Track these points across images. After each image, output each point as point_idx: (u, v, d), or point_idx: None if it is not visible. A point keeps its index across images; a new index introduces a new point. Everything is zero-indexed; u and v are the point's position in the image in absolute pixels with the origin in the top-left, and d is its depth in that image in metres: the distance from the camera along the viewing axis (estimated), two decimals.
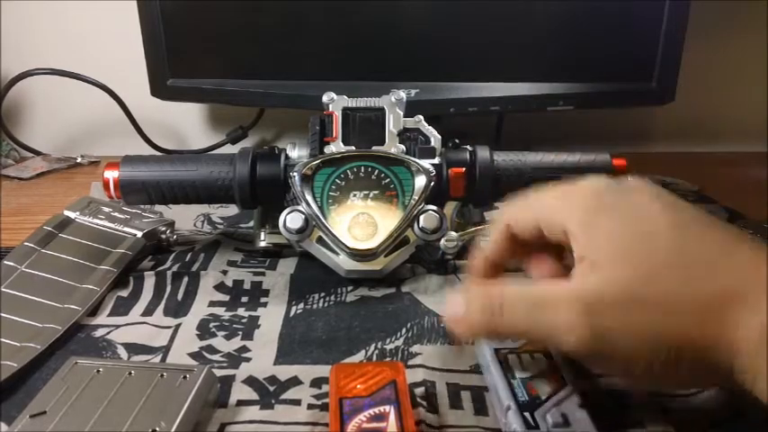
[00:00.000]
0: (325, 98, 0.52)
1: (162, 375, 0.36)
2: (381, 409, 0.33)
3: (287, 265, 0.54)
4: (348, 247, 0.49)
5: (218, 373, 0.39)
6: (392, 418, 0.33)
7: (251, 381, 0.39)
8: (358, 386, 0.35)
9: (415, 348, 0.42)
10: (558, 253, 0.38)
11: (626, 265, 0.30)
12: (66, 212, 0.56)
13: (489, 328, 0.33)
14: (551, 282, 0.35)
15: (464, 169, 0.51)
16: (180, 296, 0.49)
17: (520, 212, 0.37)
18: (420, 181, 0.50)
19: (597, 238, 0.32)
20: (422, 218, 0.50)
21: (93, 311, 0.47)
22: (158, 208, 0.61)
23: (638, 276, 0.30)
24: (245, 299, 0.49)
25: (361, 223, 0.49)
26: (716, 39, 0.83)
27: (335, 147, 0.51)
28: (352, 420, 0.33)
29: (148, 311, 0.47)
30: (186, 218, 0.63)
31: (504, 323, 0.32)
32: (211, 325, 0.45)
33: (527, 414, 0.32)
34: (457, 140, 0.54)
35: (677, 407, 0.37)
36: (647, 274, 0.30)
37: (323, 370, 0.40)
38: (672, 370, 0.29)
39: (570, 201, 0.34)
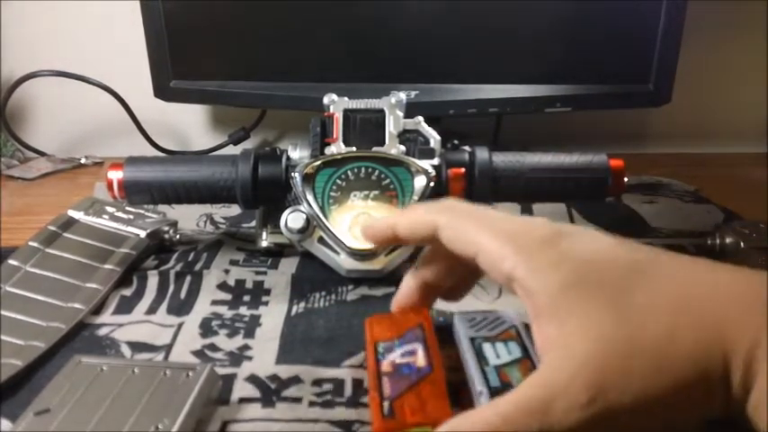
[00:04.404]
0: (325, 100, 0.52)
1: (165, 373, 0.36)
2: (411, 347, 0.37)
3: (288, 265, 0.54)
4: (349, 247, 0.49)
5: (221, 371, 0.39)
6: (420, 353, 0.37)
7: (253, 379, 0.39)
8: (390, 331, 0.39)
9: None
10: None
11: (610, 326, 0.28)
12: (71, 212, 0.56)
13: None
14: (531, 383, 0.29)
15: (463, 170, 0.51)
16: (183, 295, 0.49)
17: (461, 233, 0.34)
18: (419, 181, 0.51)
19: (571, 313, 0.29)
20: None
21: (97, 310, 0.47)
22: (161, 208, 0.61)
23: (624, 332, 0.28)
24: (247, 298, 0.49)
25: (362, 223, 0.50)
26: (713, 40, 0.83)
27: (336, 148, 0.52)
28: (386, 359, 0.37)
29: (152, 310, 0.47)
30: (189, 218, 0.63)
31: None
32: (214, 323, 0.45)
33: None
34: (456, 141, 0.54)
35: None
36: (634, 326, 0.28)
37: (324, 369, 0.40)
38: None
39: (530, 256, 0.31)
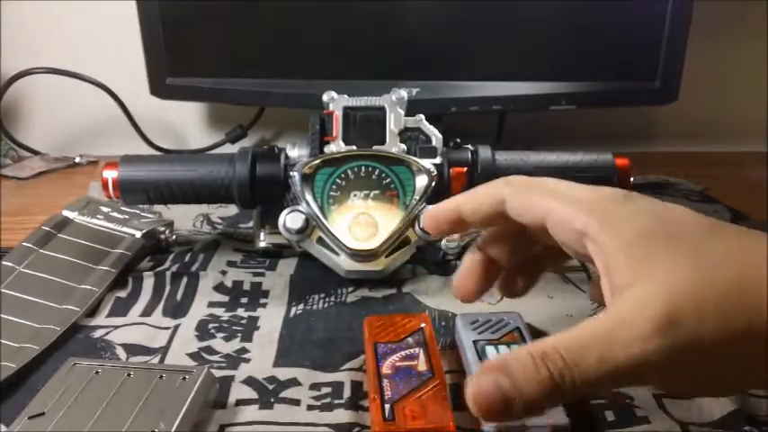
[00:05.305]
0: (325, 97, 0.52)
1: (161, 376, 0.36)
2: (412, 351, 0.38)
3: (287, 266, 0.54)
4: (349, 248, 0.49)
5: (217, 373, 0.38)
6: (422, 357, 0.38)
7: (250, 381, 0.39)
8: (390, 333, 0.40)
9: None
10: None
11: (681, 270, 0.28)
12: (65, 212, 0.56)
13: (553, 397, 0.27)
14: (594, 318, 0.28)
15: (466, 169, 0.51)
16: (179, 297, 0.49)
17: (528, 201, 0.33)
18: (421, 181, 0.50)
19: (642, 260, 0.28)
20: (423, 218, 0.49)
21: (92, 312, 0.46)
22: (157, 208, 0.61)
23: (698, 276, 0.27)
24: (244, 300, 0.49)
25: (362, 223, 0.49)
26: (720, 38, 0.83)
27: (336, 146, 0.51)
28: (386, 360, 0.38)
29: (147, 312, 0.47)
30: (185, 218, 0.63)
31: (575, 383, 0.26)
32: (210, 326, 0.45)
33: None
34: (458, 140, 0.54)
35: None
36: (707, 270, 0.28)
37: (322, 372, 0.40)
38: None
39: (604, 215, 0.30)
